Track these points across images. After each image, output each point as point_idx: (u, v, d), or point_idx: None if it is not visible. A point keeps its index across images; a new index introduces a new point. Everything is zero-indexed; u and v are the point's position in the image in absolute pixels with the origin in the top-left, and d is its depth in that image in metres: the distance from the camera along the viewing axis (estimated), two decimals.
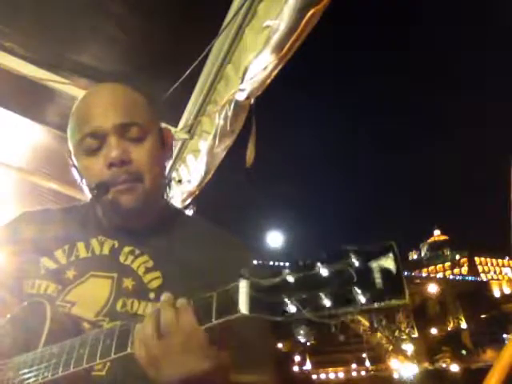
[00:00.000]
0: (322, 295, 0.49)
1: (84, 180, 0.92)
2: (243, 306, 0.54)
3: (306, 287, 0.51)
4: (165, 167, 1.02)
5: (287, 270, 0.53)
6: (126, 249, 0.92)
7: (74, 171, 0.94)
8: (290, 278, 0.52)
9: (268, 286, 0.53)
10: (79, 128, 0.91)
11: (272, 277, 0.53)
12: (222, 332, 0.62)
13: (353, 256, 0.49)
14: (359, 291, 0.48)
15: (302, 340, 0.51)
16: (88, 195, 0.94)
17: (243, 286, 0.55)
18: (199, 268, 0.84)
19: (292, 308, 0.50)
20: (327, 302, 0.49)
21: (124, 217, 0.91)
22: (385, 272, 0.47)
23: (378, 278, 0.47)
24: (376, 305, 0.47)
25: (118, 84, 0.96)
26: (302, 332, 0.51)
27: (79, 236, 0.95)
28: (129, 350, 0.63)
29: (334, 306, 0.49)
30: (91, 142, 0.88)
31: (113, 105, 0.91)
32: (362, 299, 0.47)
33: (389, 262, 0.48)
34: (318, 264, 0.51)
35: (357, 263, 0.49)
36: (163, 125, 1.07)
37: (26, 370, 0.73)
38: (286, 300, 0.51)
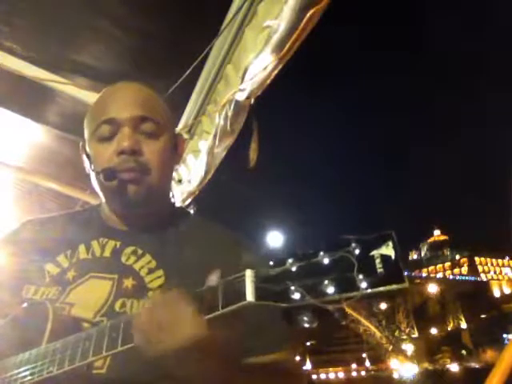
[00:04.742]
0: (326, 282, 0.52)
1: (93, 166, 0.92)
2: (249, 294, 0.56)
3: (309, 275, 0.53)
4: (172, 171, 1.04)
5: (291, 260, 0.55)
6: (129, 249, 0.92)
7: (85, 159, 0.96)
8: (294, 267, 0.54)
9: (273, 274, 0.55)
10: (96, 116, 0.93)
11: (276, 266, 0.56)
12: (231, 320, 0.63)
13: (353, 245, 0.52)
14: (361, 277, 0.50)
15: (307, 326, 0.54)
16: (94, 184, 0.95)
17: (249, 276, 0.57)
18: (202, 267, 0.84)
19: (296, 295, 0.53)
20: (330, 288, 0.51)
21: (127, 206, 0.92)
22: (384, 259, 0.50)
23: (378, 264, 0.50)
24: (377, 289, 0.49)
25: (141, 84, 0.99)
26: (306, 318, 0.54)
27: (80, 239, 0.95)
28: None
29: (337, 292, 0.51)
30: (106, 129, 0.91)
31: (132, 98, 0.94)
32: (364, 284, 0.50)
33: (388, 250, 0.50)
34: (321, 253, 0.53)
35: (357, 251, 0.51)
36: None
37: (29, 367, 0.73)
38: (291, 287, 0.53)
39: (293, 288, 0.53)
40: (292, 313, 0.54)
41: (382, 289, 0.49)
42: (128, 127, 0.90)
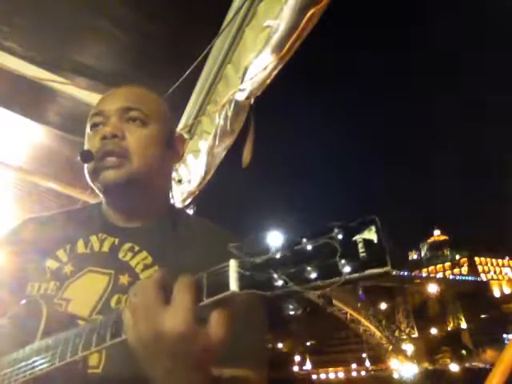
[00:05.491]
0: (308, 268, 0.51)
1: None
2: (233, 284, 0.55)
3: (292, 262, 0.53)
4: (168, 167, 1.04)
5: (274, 248, 0.54)
6: (126, 245, 0.92)
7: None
8: (277, 255, 0.54)
9: (256, 263, 0.55)
10: (91, 112, 0.99)
11: (259, 255, 0.55)
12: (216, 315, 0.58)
13: (336, 230, 0.51)
14: (343, 262, 0.49)
15: (292, 313, 0.53)
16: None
17: (232, 265, 0.56)
18: (199, 266, 0.83)
19: (280, 282, 0.52)
20: (313, 274, 0.51)
21: (107, 191, 0.94)
22: (367, 243, 0.49)
23: (361, 249, 0.49)
24: (360, 274, 0.49)
25: (139, 85, 1.03)
26: (290, 306, 0.52)
27: (80, 234, 0.96)
28: (123, 337, 0.62)
29: (320, 278, 0.51)
30: (96, 120, 0.96)
31: (121, 93, 1.00)
32: (347, 269, 0.49)
33: (371, 234, 0.50)
34: (304, 240, 0.53)
35: (340, 237, 0.51)
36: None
37: (22, 364, 0.73)
38: (274, 275, 0.53)
39: (276, 276, 0.53)
40: (277, 302, 0.53)
41: (364, 273, 0.49)
42: (115, 117, 0.94)
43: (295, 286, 0.51)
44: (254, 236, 0.57)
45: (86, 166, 0.93)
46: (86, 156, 0.91)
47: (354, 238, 0.50)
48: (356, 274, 0.49)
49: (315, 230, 0.53)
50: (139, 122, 0.95)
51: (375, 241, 0.49)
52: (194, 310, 0.57)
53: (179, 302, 0.57)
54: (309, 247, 0.52)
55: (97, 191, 0.97)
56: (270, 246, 0.55)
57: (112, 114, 0.94)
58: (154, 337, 0.57)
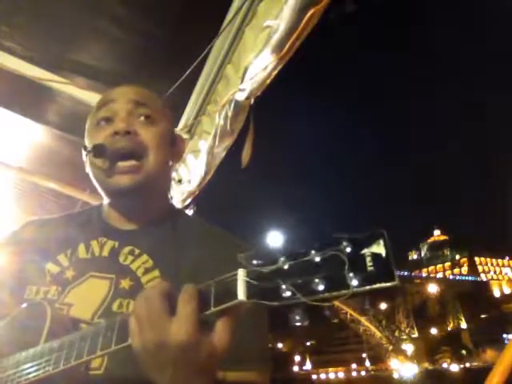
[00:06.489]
0: (316, 280, 0.52)
1: (87, 149, 0.93)
2: (241, 293, 0.56)
3: (300, 273, 0.53)
4: (170, 167, 1.04)
5: (283, 258, 0.55)
6: (126, 249, 0.92)
7: (83, 151, 0.96)
8: (286, 265, 0.54)
9: (264, 273, 0.55)
10: (96, 106, 0.97)
11: (268, 265, 0.55)
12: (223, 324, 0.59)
13: (345, 243, 0.52)
14: (351, 275, 0.50)
15: (298, 324, 0.54)
16: (91, 174, 0.95)
17: (240, 274, 0.57)
18: (199, 268, 0.83)
19: (287, 293, 0.53)
20: (321, 286, 0.51)
21: (119, 191, 0.91)
22: (375, 257, 0.50)
23: (368, 262, 0.50)
24: (367, 287, 0.49)
25: (140, 86, 1.03)
26: (297, 317, 0.53)
27: (81, 238, 0.95)
28: (129, 341, 0.62)
29: (328, 290, 0.51)
30: (103, 113, 0.94)
31: (129, 89, 0.99)
32: (354, 282, 0.50)
33: (379, 248, 0.50)
34: (312, 251, 0.53)
35: (348, 249, 0.51)
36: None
37: (26, 366, 0.73)
38: (282, 286, 0.53)
39: (284, 287, 0.53)
40: (283, 312, 0.54)
41: (372, 287, 0.49)
42: (124, 111, 0.93)
43: (302, 297, 0.52)
44: (263, 245, 0.57)
45: (92, 162, 0.91)
46: (100, 150, 0.88)
47: (362, 252, 0.51)
48: (364, 287, 0.49)
49: (323, 242, 0.53)
50: (148, 119, 0.94)
51: (383, 255, 0.50)
52: (198, 319, 0.57)
53: (183, 313, 0.58)
54: (317, 259, 0.53)
55: (101, 191, 0.96)
56: (278, 257, 0.55)
57: (122, 109, 0.93)
58: (158, 346, 0.57)
